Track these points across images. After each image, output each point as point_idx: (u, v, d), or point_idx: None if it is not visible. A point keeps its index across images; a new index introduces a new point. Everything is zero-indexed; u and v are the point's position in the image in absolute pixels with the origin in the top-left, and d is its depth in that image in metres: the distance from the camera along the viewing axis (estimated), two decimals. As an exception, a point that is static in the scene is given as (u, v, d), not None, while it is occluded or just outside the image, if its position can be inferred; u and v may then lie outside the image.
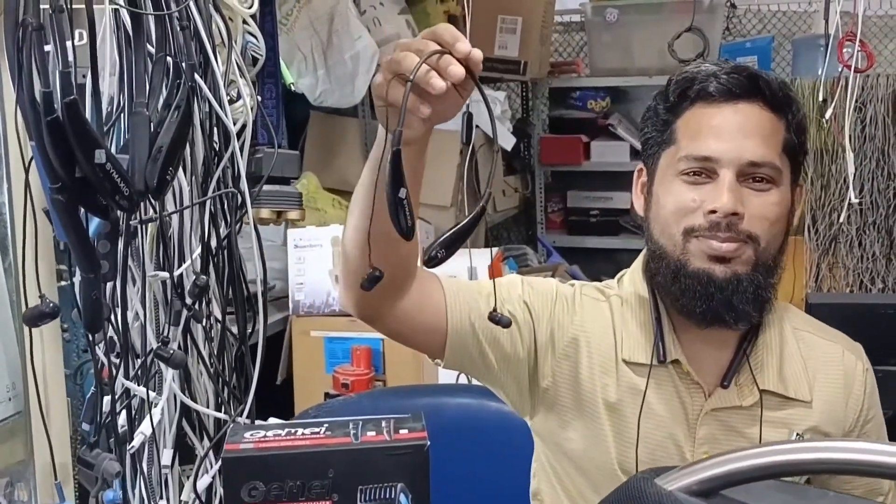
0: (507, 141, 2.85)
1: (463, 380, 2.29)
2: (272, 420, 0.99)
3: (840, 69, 1.80)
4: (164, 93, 0.78)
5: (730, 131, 1.02)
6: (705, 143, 1.02)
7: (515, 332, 1.10)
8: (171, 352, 0.83)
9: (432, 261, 0.81)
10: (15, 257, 0.83)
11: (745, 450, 0.66)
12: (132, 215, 0.78)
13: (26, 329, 0.82)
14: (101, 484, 0.81)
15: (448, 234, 0.81)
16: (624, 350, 1.09)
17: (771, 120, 1.03)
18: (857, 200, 2.29)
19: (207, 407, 0.96)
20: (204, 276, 0.86)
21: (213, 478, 0.95)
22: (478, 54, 0.82)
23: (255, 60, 1.04)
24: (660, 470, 0.68)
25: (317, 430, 0.77)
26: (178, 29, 0.78)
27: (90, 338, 0.79)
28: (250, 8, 0.99)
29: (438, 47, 0.82)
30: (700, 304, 1.02)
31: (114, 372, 0.84)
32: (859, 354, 1.13)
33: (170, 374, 0.91)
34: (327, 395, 2.26)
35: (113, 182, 0.68)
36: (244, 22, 1.00)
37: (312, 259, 2.40)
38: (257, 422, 0.92)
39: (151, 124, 0.75)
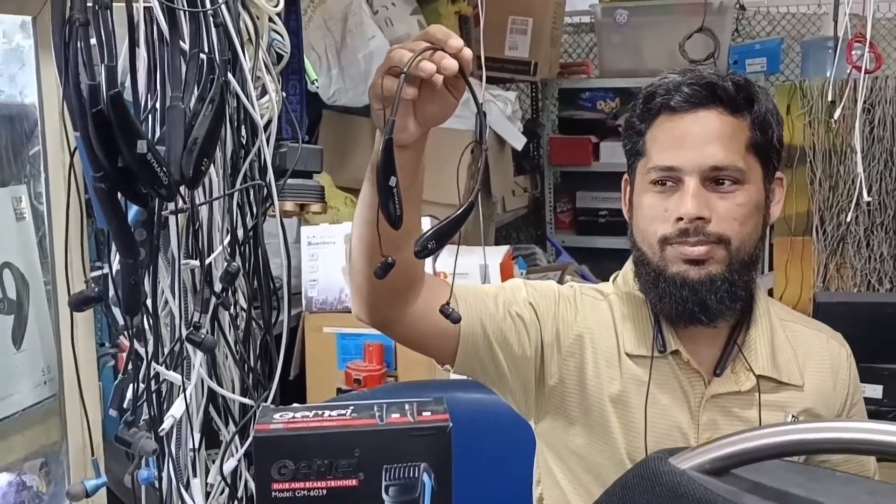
0: (518, 141, 2.87)
1: (496, 393, 2.32)
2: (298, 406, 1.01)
3: (849, 71, 1.82)
4: (198, 88, 0.82)
5: (691, 140, 1.06)
6: (669, 153, 1.07)
7: (523, 332, 1.14)
8: (203, 336, 0.86)
9: (424, 251, 0.83)
10: (52, 245, 0.87)
11: (754, 430, 0.69)
12: (170, 204, 0.81)
13: (64, 314, 0.86)
14: (138, 461, 0.84)
15: (439, 226, 0.83)
16: (626, 344, 1.13)
17: (731, 123, 1.07)
18: (869, 199, 2.31)
19: (233, 392, 0.99)
20: (236, 263, 0.89)
21: (239, 461, 0.98)
22: (468, 53, 0.84)
23: (279, 57, 1.07)
24: (673, 450, 0.71)
25: (343, 412, 0.81)
26: (212, 25, 0.81)
27: (128, 321, 0.82)
28: (276, 6, 1.02)
29: (431, 45, 0.84)
30: (676, 306, 1.07)
31: (146, 356, 0.88)
32: (841, 342, 1.19)
33: (198, 360, 0.94)
34: (339, 391, 2.29)
35: (153, 172, 0.71)
36: (270, 20, 1.03)
37: (325, 256, 2.43)
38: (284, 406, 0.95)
39: (186, 117, 0.79)
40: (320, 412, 0.81)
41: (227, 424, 1.00)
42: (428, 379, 2.28)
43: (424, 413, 0.80)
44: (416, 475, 0.78)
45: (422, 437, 0.78)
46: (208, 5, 0.82)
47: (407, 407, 0.81)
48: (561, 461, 1.17)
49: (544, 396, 1.16)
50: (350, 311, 2.53)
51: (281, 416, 0.80)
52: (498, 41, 3.21)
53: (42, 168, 0.87)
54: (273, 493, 0.77)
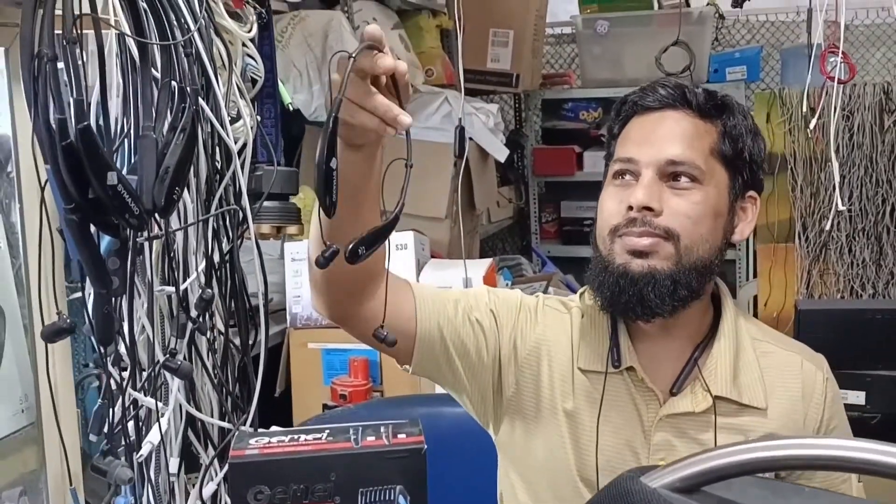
0: (501, 153, 2.89)
1: (453, 398, 2.33)
2: (274, 429, 1.02)
3: (825, 80, 1.84)
4: (170, 116, 0.82)
5: (654, 135, 1.08)
6: (631, 146, 1.08)
7: (481, 338, 1.13)
8: (179, 363, 0.86)
9: (355, 257, 0.84)
10: (27, 274, 0.87)
11: (724, 447, 0.70)
12: (141, 233, 0.82)
13: (40, 342, 0.86)
14: (114, 489, 0.85)
15: (370, 232, 0.84)
16: (580, 359, 1.13)
17: (697, 125, 1.08)
18: (845, 208, 2.33)
19: (212, 416, 1.00)
20: (210, 290, 0.89)
21: (219, 485, 0.98)
22: (402, 65, 0.85)
23: (254, 82, 1.08)
24: (644, 468, 0.72)
25: (319, 435, 0.81)
26: (183, 55, 0.82)
27: (101, 350, 0.82)
28: (249, 32, 1.03)
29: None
30: (613, 297, 1.06)
31: (122, 384, 0.88)
32: (819, 364, 1.15)
33: (175, 385, 0.94)
34: (325, 407, 2.29)
35: (123, 202, 0.71)
36: (243, 45, 1.04)
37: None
38: (260, 430, 0.95)
39: (158, 146, 0.79)
40: (296, 436, 0.81)
41: (206, 448, 1.00)
42: (413, 394, 2.28)
43: (400, 435, 0.80)
44: (392, 498, 0.78)
45: (397, 460, 0.78)
46: (179, 36, 0.83)
47: (382, 429, 0.82)
48: (520, 475, 1.16)
49: (502, 406, 1.16)
50: (336, 327, 2.54)
51: (256, 441, 0.81)
52: (479, 54, 3.23)
53: (16, 198, 0.87)
54: (249, 519, 0.77)
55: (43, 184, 0.73)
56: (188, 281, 0.92)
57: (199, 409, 0.98)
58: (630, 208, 1.04)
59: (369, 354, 2.32)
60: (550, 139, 3.61)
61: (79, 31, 0.69)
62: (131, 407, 0.94)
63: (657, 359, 1.11)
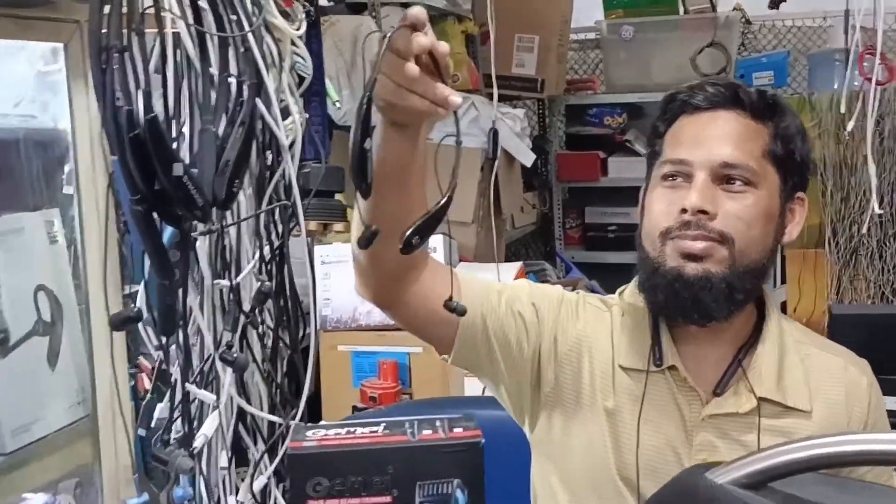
0: (527, 158, 2.89)
1: (489, 392, 2.33)
2: (328, 423, 1.02)
3: (859, 83, 1.83)
4: (227, 111, 0.83)
5: (706, 136, 1.07)
6: (682, 148, 1.07)
7: (523, 331, 1.12)
8: (235, 355, 0.87)
9: (409, 247, 0.83)
10: (85, 268, 0.88)
11: (790, 443, 0.70)
12: (199, 225, 0.83)
13: (97, 335, 0.87)
14: (174, 479, 0.85)
15: (420, 220, 0.83)
16: (621, 357, 1.12)
17: (749, 126, 1.07)
18: (881, 211, 2.32)
19: (261, 410, 1.00)
20: (268, 283, 0.90)
21: (268, 479, 0.98)
22: (443, 46, 0.84)
23: (300, 79, 1.08)
24: (708, 465, 0.71)
25: (374, 429, 0.81)
26: (241, 51, 0.83)
27: (163, 341, 0.83)
28: (298, 29, 1.04)
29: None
30: (668, 300, 1.05)
31: (178, 375, 0.89)
32: (863, 369, 1.14)
33: (227, 379, 0.95)
34: (355, 409, 2.29)
35: (188, 194, 0.72)
36: (292, 43, 1.04)
37: (338, 274, 2.44)
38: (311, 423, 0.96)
39: (217, 141, 0.80)
40: (352, 429, 0.81)
41: (255, 443, 1.01)
42: (443, 396, 2.28)
43: (456, 429, 0.81)
44: (450, 491, 0.78)
45: (454, 454, 0.78)
46: (235, 31, 0.83)
47: (438, 423, 0.82)
48: (557, 474, 1.15)
49: (539, 402, 1.14)
50: (365, 329, 2.54)
51: (313, 433, 0.81)
52: (505, 59, 3.23)
53: (75, 192, 0.88)
54: (308, 510, 0.78)
55: (107, 177, 0.74)
56: (242, 275, 0.92)
57: (248, 403, 0.98)
58: (683, 211, 1.03)
59: (398, 357, 2.32)
60: (574, 145, 3.61)
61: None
62: (184, 400, 0.94)
63: (699, 359, 1.10)
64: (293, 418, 1.00)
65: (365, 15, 2.67)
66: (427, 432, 0.80)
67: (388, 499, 0.78)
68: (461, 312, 0.94)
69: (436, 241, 2.35)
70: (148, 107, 0.69)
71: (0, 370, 0.81)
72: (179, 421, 1.00)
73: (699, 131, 1.07)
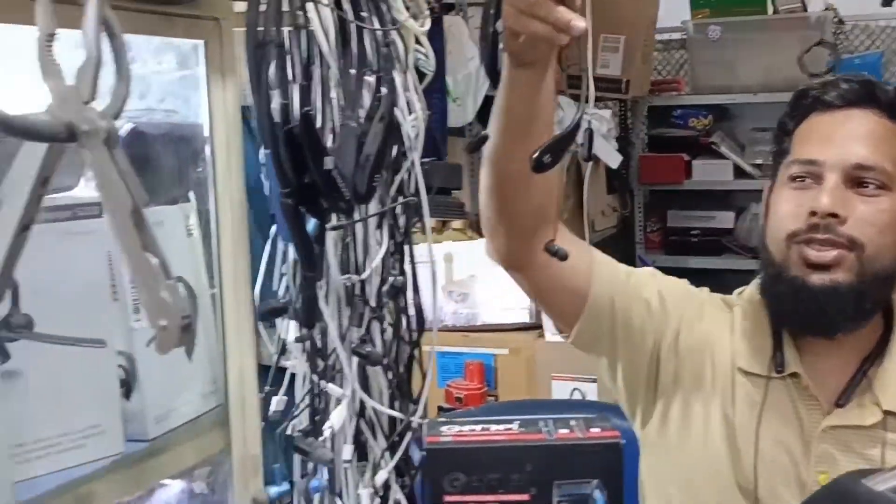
0: (614, 159, 2.86)
1: (577, 396, 2.31)
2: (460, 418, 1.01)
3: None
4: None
5: (838, 135, 1.02)
6: (813, 147, 1.03)
7: (647, 318, 1.09)
8: (369, 350, 0.87)
9: (540, 166, 0.80)
10: (220, 260, 0.90)
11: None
12: (348, 218, 0.83)
13: (231, 327, 0.89)
14: (314, 469, 0.86)
15: (552, 140, 0.80)
16: (741, 360, 1.08)
17: (886, 126, 1.03)
18: None
19: (381, 406, 1.01)
20: (401, 278, 0.90)
21: (389, 474, 0.99)
22: None
23: (421, 75, 1.08)
24: (864, 472, 0.69)
25: (509, 426, 0.81)
26: (383, 46, 0.84)
27: (303, 333, 0.84)
28: (423, 26, 1.04)
29: None
30: (792, 311, 1.02)
31: (309, 369, 0.90)
32: None
33: (352, 373, 0.95)
34: (441, 409, 2.29)
35: (337, 187, 0.73)
36: (417, 41, 1.04)
37: (423, 275, 2.44)
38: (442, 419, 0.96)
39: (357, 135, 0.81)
40: (486, 426, 0.81)
41: (375, 438, 1.01)
42: (530, 398, 2.27)
43: (593, 429, 0.80)
44: (588, 492, 0.77)
45: (593, 454, 0.77)
46: (376, 24, 0.84)
47: (573, 423, 0.81)
48: (670, 476, 1.12)
49: (655, 396, 1.11)
50: (451, 330, 2.53)
51: (448, 428, 0.81)
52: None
53: (211, 186, 0.90)
54: (445, 505, 0.78)
55: (242, 172, 0.76)
56: (368, 270, 0.93)
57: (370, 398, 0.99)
58: (812, 213, 1.00)
59: (484, 358, 2.31)
60: (658, 147, 3.56)
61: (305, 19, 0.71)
62: (309, 394, 0.96)
63: (822, 368, 1.06)
64: (413, 414, 1.01)
65: (453, 15, 2.67)
66: (564, 431, 0.79)
67: (526, 497, 0.77)
68: (562, 256, 0.90)
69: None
70: (304, 101, 0.70)
71: (144, 359, 0.82)
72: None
73: (831, 130, 1.04)
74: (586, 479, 0.77)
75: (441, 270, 2.43)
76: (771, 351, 1.07)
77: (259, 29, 0.71)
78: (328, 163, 0.71)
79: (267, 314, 0.79)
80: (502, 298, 2.28)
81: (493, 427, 0.81)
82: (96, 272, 0.82)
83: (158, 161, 0.87)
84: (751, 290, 1.14)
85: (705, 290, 1.17)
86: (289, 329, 0.83)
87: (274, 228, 1.14)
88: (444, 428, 0.81)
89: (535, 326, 2.28)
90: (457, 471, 0.78)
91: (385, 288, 0.88)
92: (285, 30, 0.71)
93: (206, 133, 0.91)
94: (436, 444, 0.79)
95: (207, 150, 0.91)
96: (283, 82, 0.70)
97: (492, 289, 2.28)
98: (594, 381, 2.14)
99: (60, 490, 0.78)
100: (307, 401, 0.95)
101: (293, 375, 1.08)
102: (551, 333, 2.21)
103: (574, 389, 2.16)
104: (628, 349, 1.10)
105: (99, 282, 0.82)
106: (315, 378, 0.93)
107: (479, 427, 0.81)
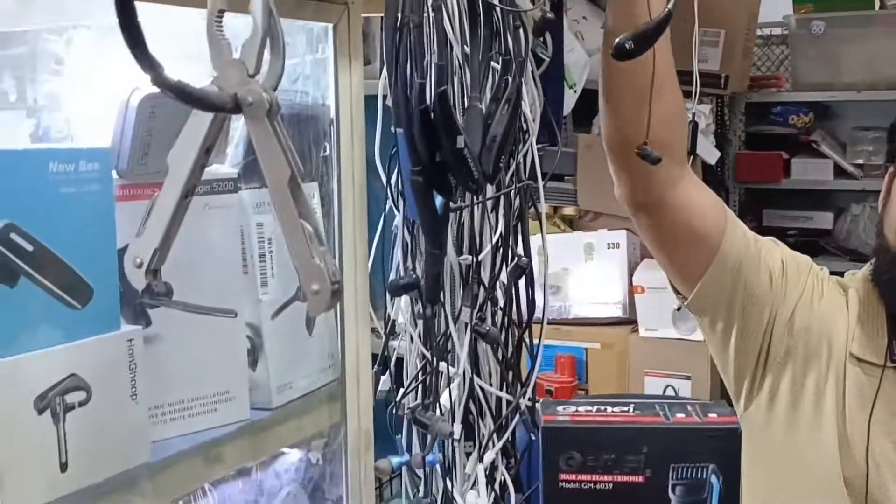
0: (712, 155, 2.81)
1: (670, 391, 2.28)
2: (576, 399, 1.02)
3: None
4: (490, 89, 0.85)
5: None
6: None
7: (767, 289, 1.05)
8: (487, 328, 0.89)
9: (621, 53, 0.79)
10: (340, 239, 0.92)
11: None
12: (477, 197, 0.85)
13: (349, 304, 0.91)
14: (432, 442, 0.88)
15: (640, 29, 0.79)
16: (855, 346, 1.05)
17: None
18: None
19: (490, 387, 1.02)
20: (525, 259, 0.92)
21: (497, 455, 1.00)
22: None
23: (539, 61, 1.09)
24: None
25: (625, 408, 0.81)
26: (512, 28, 0.85)
27: (427, 311, 0.87)
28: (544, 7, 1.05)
29: None
30: None
31: (425, 347, 0.92)
32: None
33: (464, 353, 0.97)
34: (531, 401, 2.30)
35: (468, 166, 0.74)
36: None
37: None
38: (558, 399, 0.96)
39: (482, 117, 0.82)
40: (602, 407, 0.82)
41: (483, 418, 1.03)
42: (620, 393, 2.26)
43: (711, 414, 0.79)
44: (704, 476, 0.77)
45: (711, 438, 0.77)
46: (496, 15, 0.85)
47: (689, 407, 0.81)
48: (772, 465, 1.09)
49: (763, 372, 1.08)
50: (536, 323, 2.55)
51: (563, 408, 0.82)
52: (687, 53, 3.15)
53: (335, 166, 0.92)
54: (560, 483, 0.79)
55: (363, 153, 0.78)
56: (486, 250, 0.95)
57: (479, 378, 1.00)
58: None
59: (576, 352, 2.31)
60: (755, 144, 3.48)
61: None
62: (422, 371, 0.98)
63: None
64: (522, 396, 1.02)
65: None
66: (680, 415, 0.79)
67: (641, 478, 0.78)
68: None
69: (619, 237, 2.33)
70: (440, 80, 0.72)
71: (269, 331, 0.86)
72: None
73: None
74: (703, 463, 0.77)
75: (534, 263, 2.43)
76: (886, 339, 1.04)
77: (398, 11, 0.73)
78: (460, 142, 0.73)
79: (398, 290, 0.81)
80: (595, 292, 2.27)
81: (609, 409, 0.81)
82: (229, 245, 0.86)
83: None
84: (864, 272, 1.11)
85: (825, 269, 1.14)
86: (399, 309, 0.85)
87: (388, 206, 1.17)
88: (560, 408, 0.82)
89: (628, 321, 2.26)
90: (573, 450, 0.79)
91: (509, 268, 0.89)
92: (426, 11, 0.72)
93: (332, 114, 0.93)
94: (553, 423, 0.80)
95: (332, 131, 0.94)
96: (419, 62, 0.72)
97: (584, 282, 2.27)
98: (688, 378, 2.11)
99: (192, 451, 0.82)
100: (418, 379, 0.97)
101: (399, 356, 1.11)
102: (645, 328, 2.20)
103: (667, 386, 2.14)
104: (746, 317, 1.07)
105: (231, 255, 0.86)
106: (429, 356, 0.95)
107: (594, 408, 0.82)
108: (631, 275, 2.25)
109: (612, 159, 1.06)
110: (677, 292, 1.11)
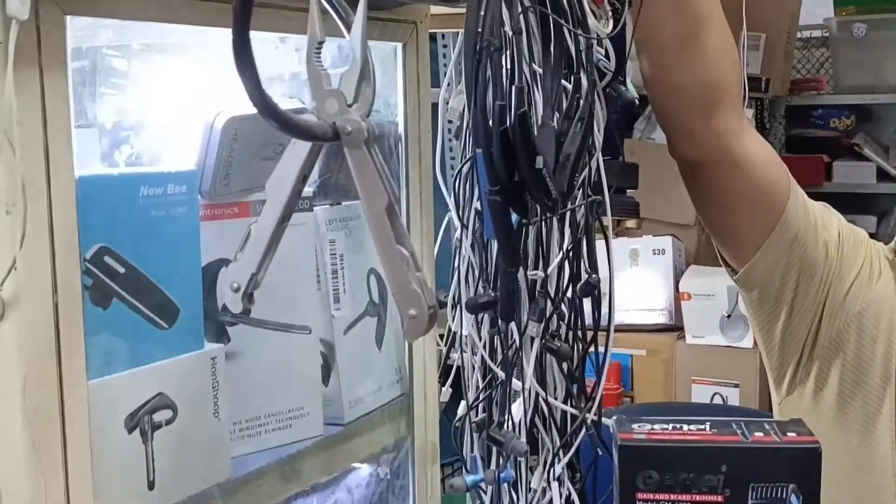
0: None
1: (718, 400, 2.27)
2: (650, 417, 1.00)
3: None
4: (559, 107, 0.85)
5: None
6: None
7: (823, 262, 0.97)
8: (559, 344, 0.89)
9: None
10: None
11: None
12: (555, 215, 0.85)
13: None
14: (506, 460, 0.89)
15: None
16: None
17: None
18: None
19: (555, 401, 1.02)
20: (596, 276, 0.91)
21: (563, 470, 1.00)
22: None
23: (601, 75, 1.09)
24: None
25: (701, 426, 0.81)
26: (586, 47, 0.85)
27: (501, 327, 0.87)
28: (605, 27, 1.05)
29: None
30: None
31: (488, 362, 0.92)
32: None
33: (530, 368, 0.97)
34: (574, 407, 2.30)
35: (546, 186, 0.75)
36: (598, 42, 1.05)
37: (555, 273, 2.44)
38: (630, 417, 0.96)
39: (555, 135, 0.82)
40: (677, 425, 0.82)
41: (548, 432, 1.03)
42: (666, 401, 2.25)
43: (789, 433, 0.79)
44: (784, 496, 0.77)
45: (791, 458, 0.77)
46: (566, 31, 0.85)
47: (766, 426, 0.81)
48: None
49: (809, 355, 1.01)
50: (594, 330, 2.52)
51: (639, 426, 0.82)
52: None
53: (403, 182, 0.93)
54: (637, 502, 0.79)
55: (431, 170, 0.79)
56: (553, 265, 0.95)
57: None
58: None
59: (621, 359, 2.31)
60: (796, 147, 3.45)
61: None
62: (488, 386, 0.98)
63: None
64: (588, 411, 1.02)
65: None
66: (759, 434, 0.79)
67: (720, 498, 0.77)
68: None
69: (664, 243, 2.32)
70: (520, 102, 0.72)
71: (341, 347, 0.87)
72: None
73: None
74: (783, 482, 0.77)
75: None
76: None
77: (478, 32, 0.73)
78: (539, 162, 0.73)
79: (478, 307, 0.82)
80: (640, 299, 2.27)
81: (685, 426, 0.81)
82: (304, 262, 0.87)
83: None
84: None
85: (881, 244, 1.06)
86: (461, 322, 0.86)
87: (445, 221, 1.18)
88: (635, 426, 0.82)
89: (674, 328, 2.26)
90: (650, 468, 0.78)
91: (579, 285, 0.89)
92: (505, 33, 0.73)
93: (401, 131, 0.94)
94: (630, 441, 0.80)
95: (400, 148, 0.94)
96: (499, 84, 0.72)
97: (630, 289, 2.27)
98: (736, 386, 2.10)
99: (270, 467, 0.83)
100: (483, 393, 0.97)
101: (458, 369, 1.12)
102: (692, 335, 2.18)
103: (715, 394, 2.13)
104: (798, 294, 0.99)
105: (306, 271, 0.87)
106: (500, 372, 0.95)
107: (669, 426, 0.81)
108: (676, 281, 2.24)
109: (659, 110, 0.99)
110: (726, 264, 1.06)
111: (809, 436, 0.78)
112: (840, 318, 1.00)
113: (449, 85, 1.13)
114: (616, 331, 2.23)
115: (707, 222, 1.06)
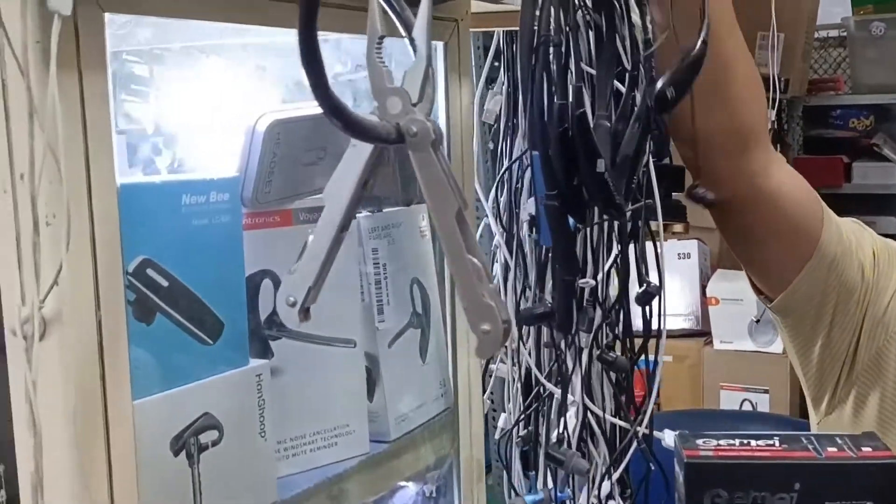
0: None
1: (747, 406, 2.23)
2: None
3: None
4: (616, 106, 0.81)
5: None
6: None
7: (860, 285, 0.95)
8: (615, 356, 0.85)
9: (665, 103, 0.75)
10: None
11: None
12: (619, 220, 0.82)
13: (461, 330, 0.88)
14: (565, 478, 0.85)
15: (672, 72, 0.76)
16: None
17: None
18: None
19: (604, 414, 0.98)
20: (655, 283, 0.88)
21: (612, 485, 0.96)
22: None
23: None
24: None
25: (770, 441, 0.77)
26: (639, 48, 0.81)
27: (558, 339, 0.83)
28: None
29: None
30: None
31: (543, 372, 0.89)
32: None
33: (579, 380, 0.93)
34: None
35: (609, 191, 0.71)
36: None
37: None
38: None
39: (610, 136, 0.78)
40: (745, 441, 0.78)
41: (596, 446, 0.99)
42: (694, 408, 2.21)
43: (864, 448, 0.75)
44: (862, 514, 0.73)
45: (868, 475, 0.73)
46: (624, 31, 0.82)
47: (839, 440, 0.77)
48: None
49: (848, 377, 0.99)
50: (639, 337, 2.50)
51: (704, 442, 0.78)
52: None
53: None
54: (705, 521, 0.75)
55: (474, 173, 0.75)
56: (601, 273, 0.91)
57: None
58: None
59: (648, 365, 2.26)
60: (814, 148, 3.41)
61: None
62: (535, 398, 0.94)
63: None
64: (639, 424, 0.98)
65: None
66: (832, 449, 0.75)
67: (792, 516, 0.74)
68: (708, 203, 0.84)
69: (689, 247, 2.29)
70: (579, 102, 0.69)
71: (386, 360, 0.83)
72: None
73: None
74: (859, 500, 0.73)
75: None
76: None
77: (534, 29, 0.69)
78: (600, 165, 0.69)
79: (533, 319, 0.78)
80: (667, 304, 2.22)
81: (753, 442, 0.77)
82: (347, 273, 0.83)
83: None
84: None
85: None
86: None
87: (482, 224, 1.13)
88: (699, 441, 0.78)
89: (700, 333, 2.21)
90: (719, 487, 0.74)
91: (638, 293, 0.85)
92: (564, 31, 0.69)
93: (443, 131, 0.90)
94: (696, 459, 0.76)
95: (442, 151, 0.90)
96: (559, 84, 0.69)
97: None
98: (766, 391, 2.06)
99: (316, 489, 0.79)
100: (525, 407, 0.94)
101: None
102: (720, 341, 2.14)
103: (744, 400, 2.09)
104: (837, 317, 0.98)
105: (349, 283, 0.83)
106: (546, 382, 0.92)
107: (736, 441, 0.77)
108: (702, 285, 2.20)
109: (684, 154, 0.98)
110: (759, 291, 1.03)
111: (886, 450, 0.74)
112: (879, 335, 0.98)
113: (491, 86, 1.09)
114: (639, 336, 2.16)
115: (740, 256, 1.04)
